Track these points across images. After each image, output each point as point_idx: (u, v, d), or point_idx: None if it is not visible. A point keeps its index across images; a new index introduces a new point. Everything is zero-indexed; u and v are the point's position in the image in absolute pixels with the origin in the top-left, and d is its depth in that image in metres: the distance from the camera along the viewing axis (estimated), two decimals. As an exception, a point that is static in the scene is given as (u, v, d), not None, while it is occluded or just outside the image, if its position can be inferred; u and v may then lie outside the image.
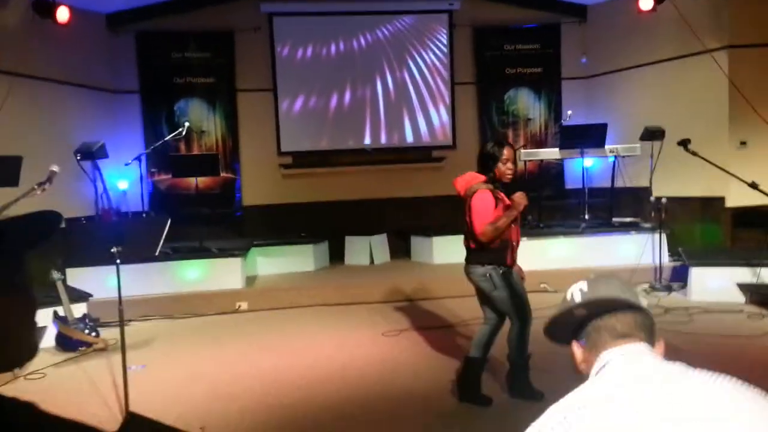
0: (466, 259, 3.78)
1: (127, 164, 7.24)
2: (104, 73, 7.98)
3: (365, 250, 8.05)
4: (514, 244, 3.72)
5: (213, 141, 8.38)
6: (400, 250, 8.32)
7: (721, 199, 7.11)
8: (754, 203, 5.90)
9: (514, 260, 3.76)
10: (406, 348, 4.99)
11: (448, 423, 3.62)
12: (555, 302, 1.39)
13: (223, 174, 8.24)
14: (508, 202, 3.65)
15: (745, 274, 5.97)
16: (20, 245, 0.80)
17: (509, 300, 3.68)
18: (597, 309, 1.24)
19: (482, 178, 3.67)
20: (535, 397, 3.68)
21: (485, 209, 3.57)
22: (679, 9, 7.14)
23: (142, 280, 6.21)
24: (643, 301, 1.28)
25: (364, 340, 5.25)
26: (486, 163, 3.67)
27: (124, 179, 7.71)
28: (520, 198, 3.56)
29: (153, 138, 7.92)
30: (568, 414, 1.08)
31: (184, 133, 7.49)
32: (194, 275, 6.66)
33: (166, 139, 7.59)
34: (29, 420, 0.73)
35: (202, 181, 7.74)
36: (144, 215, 7.55)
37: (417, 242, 8.17)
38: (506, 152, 3.62)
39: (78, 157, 6.81)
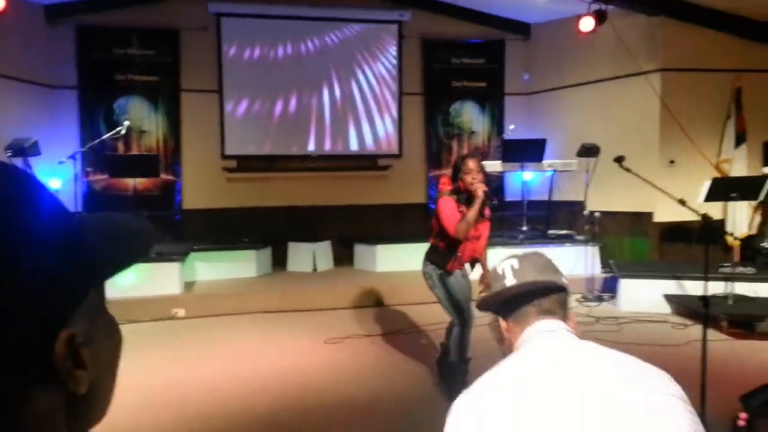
0: (425, 254, 4.10)
1: (61, 162, 6.95)
2: (40, 66, 7.62)
3: (308, 256, 8.00)
4: (460, 254, 3.91)
5: (154, 141, 8.14)
6: (344, 257, 8.30)
7: (650, 214, 7.47)
8: (679, 219, 6.23)
9: (456, 268, 3.96)
10: (349, 355, 5.00)
11: (389, 430, 3.65)
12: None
13: (162, 176, 7.99)
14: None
15: (670, 286, 6.31)
16: (118, 259, 0.56)
17: (446, 301, 3.95)
18: (529, 290, 1.36)
19: (450, 186, 3.94)
20: None
21: (451, 210, 3.83)
22: (617, 31, 7.49)
23: (74, 283, 5.96)
24: (562, 278, 1.40)
25: (306, 348, 5.22)
26: (454, 174, 3.94)
27: (57, 178, 7.38)
28: (476, 186, 3.76)
29: (90, 136, 7.62)
30: (480, 399, 1.17)
31: (123, 132, 7.23)
32: (129, 280, 6.42)
33: (103, 137, 7.31)
34: None
35: (140, 182, 7.50)
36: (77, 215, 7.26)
37: (360, 250, 8.18)
38: (469, 164, 3.86)
39: (8, 154, 6.49)
